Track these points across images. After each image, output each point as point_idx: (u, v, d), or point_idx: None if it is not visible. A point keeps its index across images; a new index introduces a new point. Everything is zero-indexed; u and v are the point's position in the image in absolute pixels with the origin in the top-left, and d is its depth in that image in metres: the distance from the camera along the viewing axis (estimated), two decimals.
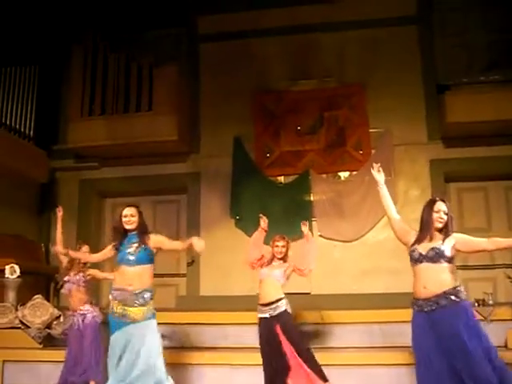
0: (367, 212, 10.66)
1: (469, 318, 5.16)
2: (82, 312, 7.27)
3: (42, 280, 10.71)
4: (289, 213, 10.76)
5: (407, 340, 6.01)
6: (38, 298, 8.54)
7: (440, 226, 5.36)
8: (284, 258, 6.82)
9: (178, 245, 6.48)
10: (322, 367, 6.47)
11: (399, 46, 11.17)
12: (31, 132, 10.86)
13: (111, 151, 11.33)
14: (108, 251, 6.30)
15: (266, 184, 11.18)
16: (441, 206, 5.42)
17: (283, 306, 6.62)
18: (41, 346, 8.15)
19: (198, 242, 5.95)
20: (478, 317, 6.60)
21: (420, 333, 5.21)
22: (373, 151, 10.91)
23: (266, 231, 7.07)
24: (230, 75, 11.61)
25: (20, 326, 8.34)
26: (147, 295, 6.08)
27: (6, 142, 10.19)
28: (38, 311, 8.37)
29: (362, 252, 10.54)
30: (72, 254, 7.02)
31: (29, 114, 10.83)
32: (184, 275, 11.17)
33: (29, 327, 8.27)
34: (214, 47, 11.90)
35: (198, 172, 11.54)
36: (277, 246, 6.82)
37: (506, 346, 7.40)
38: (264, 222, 7.04)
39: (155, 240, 6.21)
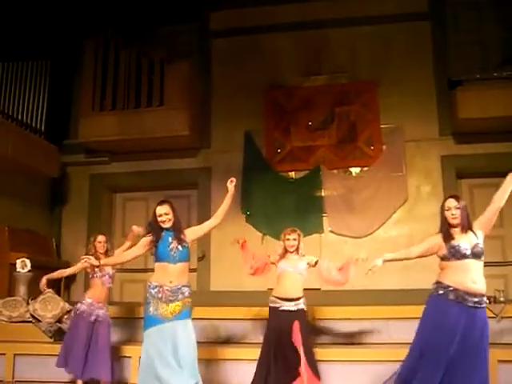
0: (378, 208, 10.66)
1: (488, 327, 5.29)
2: (102, 306, 7.27)
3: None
4: (300, 208, 10.78)
5: None
6: (49, 293, 8.55)
7: (455, 221, 5.43)
8: (297, 251, 6.80)
9: (210, 224, 6.63)
10: (331, 364, 6.52)
11: (411, 42, 11.15)
12: (42, 127, 10.86)
13: (122, 146, 11.35)
14: (142, 247, 6.18)
15: (276, 179, 11.17)
16: (450, 203, 5.50)
17: (304, 303, 6.66)
18: (51, 340, 8.17)
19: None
20: (490, 314, 6.57)
21: (452, 323, 5.17)
22: (384, 147, 10.88)
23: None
24: (241, 70, 11.62)
25: (31, 319, 8.38)
26: (186, 290, 6.10)
27: (18, 137, 10.19)
28: (49, 305, 8.40)
29: (372, 248, 10.48)
30: (104, 262, 6.84)
31: (40, 109, 10.82)
32: (194, 270, 11.16)
33: (40, 321, 8.30)
34: (226, 43, 11.91)
35: (209, 167, 11.55)
36: (288, 239, 6.80)
37: None
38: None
39: (190, 234, 6.28)
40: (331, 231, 10.77)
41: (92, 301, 7.20)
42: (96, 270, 7.18)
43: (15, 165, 10.23)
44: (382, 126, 10.96)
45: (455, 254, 5.30)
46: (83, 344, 7.02)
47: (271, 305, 6.67)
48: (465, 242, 5.34)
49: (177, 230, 6.17)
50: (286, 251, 6.81)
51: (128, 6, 11.85)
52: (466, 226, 5.44)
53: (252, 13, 11.70)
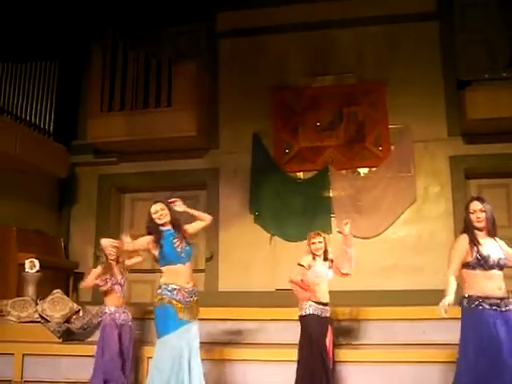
0: (386, 209, 10.65)
1: None
2: (123, 310, 7.24)
3: (62, 274, 10.75)
4: (308, 209, 10.79)
5: (429, 337, 6.00)
6: (58, 293, 8.57)
7: (481, 225, 5.40)
8: (325, 255, 6.69)
9: (201, 221, 6.54)
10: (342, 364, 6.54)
11: (419, 42, 11.12)
12: (51, 127, 10.86)
13: (130, 147, 11.37)
14: (145, 243, 6.13)
15: (284, 180, 11.16)
16: (475, 206, 5.45)
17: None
18: (60, 340, 8.18)
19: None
20: None
21: (494, 330, 5.16)
22: (392, 147, 10.86)
23: None
24: (248, 71, 11.62)
25: (40, 320, 8.38)
26: (197, 291, 6.15)
27: (26, 138, 10.21)
28: (58, 305, 8.40)
29: (381, 249, 10.49)
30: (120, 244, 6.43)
31: (48, 110, 10.83)
32: (202, 271, 11.16)
33: (48, 321, 8.30)
34: (233, 43, 11.92)
35: (217, 168, 11.55)
36: (313, 243, 6.65)
37: None
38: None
39: (189, 229, 6.32)
40: (339, 232, 10.74)
41: (115, 307, 7.16)
42: (107, 279, 7.15)
43: (23, 165, 10.26)
44: (390, 127, 10.94)
45: (483, 265, 5.27)
46: (115, 351, 6.95)
47: (315, 312, 6.46)
48: (492, 251, 5.32)
49: (177, 228, 6.18)
50: (313, 255, 6.67)
51: (135, 6, 11.88)
52: (492, 231, 5.42)
53: (259, 13, 11.70)
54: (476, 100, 10.04)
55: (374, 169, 10.94)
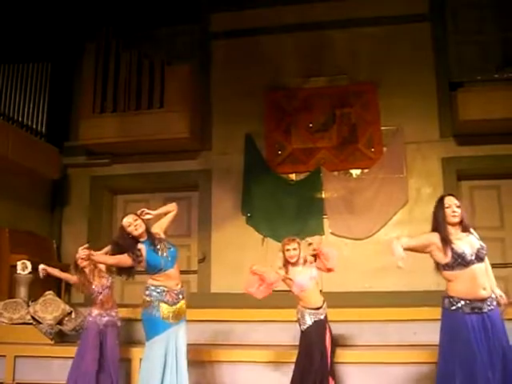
0: (378, 210, 10.66)
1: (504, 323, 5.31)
2: (112, 312, 7.23)
3: (54, 276, 10.72)
4: (300, 210, 10.80)
5: (420, 338, 6.00)
6: (50, 294, 8.56)
7: (455, 220, 5.32)
8: (304, 259, 6.42)
9: (169, 214, 6.52)
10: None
11: (412, 43, 11.12)
12: (43, 129, 10.84)
13: (123, 148, 11.36)
14: (127, 262, 6.01)
15: (277, 181, 11.15)
16: (450, 201, 5.39)
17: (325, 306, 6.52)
18: (52, 342, 8.17)
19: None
20: None
21: (475, 335, 5.10)
22: (384, 149, 10.88)
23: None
24: (242, 72, 11.60)
25: (31, 321, 8.36)
26: (184, 291, 6.18)
27: (18, 139, 10.18)
28: (50, 307, 8.38)
29: (373, 250, 10.49)
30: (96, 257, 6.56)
31: (41, 111, 10.81)
32: (195, 272, 11.16)
33: (40, 323, 8.29)
34: (227, 44, 11.92)
35: (210, 169, 11.53)
36: (288, 249, 6.34)
37: None
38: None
39: (159, 228, 6.30)
40: (332, 233, 10.77)
41: (104, 311, 7.11)
42: (94, 288, 7.12)
43: (16, 167, 10.21)
44: (382, 128, 10.95)
45: (461, 262, 5.19)
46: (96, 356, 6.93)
47: (314, 320, 6.31)
48: (467, 246, 5.24)
49: (151, 236, 6.12)
50: (287, 262, 6.39)
51: (128, 7, 11.87)
52: (467, 226, 5.36)
53: (252, 14, 11.70)
54: (468, 101, 10.04)
55: (366, 170, 10.93)
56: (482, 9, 11.00)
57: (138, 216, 6.16)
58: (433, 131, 10.83)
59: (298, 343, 6.45)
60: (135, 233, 6.02)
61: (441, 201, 5.45)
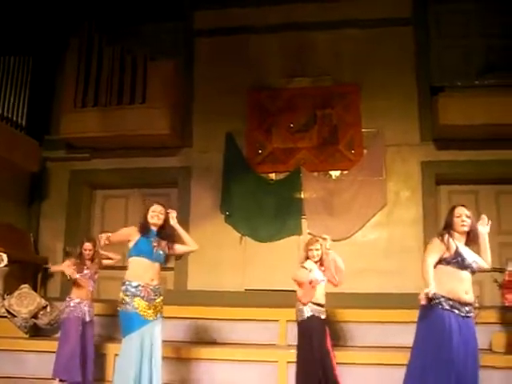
0: (357, 211, 10.68)
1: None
2: (89, 303, 7.26)
3: (30, 269, 10.67)
4: (279, 210, 10.81)
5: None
6: (25, 288, 8.53)
7: (463, 229, 5.48)
8: (321, 261, 6.84)
9: (188, 247, 6.69)
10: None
11: (394, 47, 11.16)
12: (24, 121, 10.79)
13: (103, 143, 11.31)
14: (128, 233, 6.32)
15: (257, 180, 11.14)
16: (461, 210, 5.54)
17: None
18: (27, 336, 8.14)
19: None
20: None
21: (450, 329, 5.23)
22: (365, 151, 10.91)
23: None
24: (225, 71, 11.58)
25: (6, 315, 8.32)
26: (161, 290, 6.26)
27: None
28: (25, 301, 8.35)
29: (351, 251, 10.47)
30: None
31: (22, 104, 10.76)
32: (172, 269, 11.13)
33: (15, 316, 8.25)
34: (210, 42, 11.89)
35: (190, 166, 11.50)
36: (311, 249, 6.81)
37: (490, 349, 7.49)
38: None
39: (177, 250, 6.55)
40: (310, 233, 10.74)
41: (80, 300, 7.20)
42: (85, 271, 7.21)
43: None
44: (363, 130, 10.96)
45: (459, 262, 5.36)
46: (75, 346, 6.97)
47: (315, 314, 6.57)
48: (470, 254, 5.44)
49: (164, 234, 6.30)
50: (307, 259, 6.83)
51: (112, 2, 11.84)
52: (470, 241, 5.53)
53: (237, 13, 11.69)
54: (448, 106, 10.10)
55: (345, 172, 10.94)
56: (465, 14, 11.09)
57: (166, 212, 6.39)
58: (413, 134, 10.87)
59: (275, 342, 6.51)
60: (150, 219, 6.27)
61: (452, 210, 5.61)
